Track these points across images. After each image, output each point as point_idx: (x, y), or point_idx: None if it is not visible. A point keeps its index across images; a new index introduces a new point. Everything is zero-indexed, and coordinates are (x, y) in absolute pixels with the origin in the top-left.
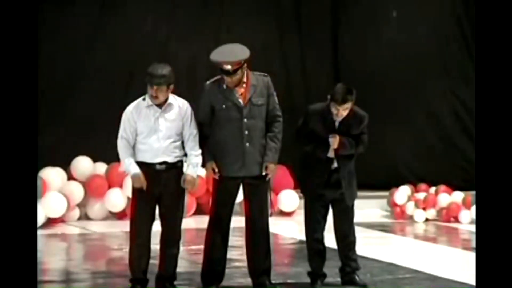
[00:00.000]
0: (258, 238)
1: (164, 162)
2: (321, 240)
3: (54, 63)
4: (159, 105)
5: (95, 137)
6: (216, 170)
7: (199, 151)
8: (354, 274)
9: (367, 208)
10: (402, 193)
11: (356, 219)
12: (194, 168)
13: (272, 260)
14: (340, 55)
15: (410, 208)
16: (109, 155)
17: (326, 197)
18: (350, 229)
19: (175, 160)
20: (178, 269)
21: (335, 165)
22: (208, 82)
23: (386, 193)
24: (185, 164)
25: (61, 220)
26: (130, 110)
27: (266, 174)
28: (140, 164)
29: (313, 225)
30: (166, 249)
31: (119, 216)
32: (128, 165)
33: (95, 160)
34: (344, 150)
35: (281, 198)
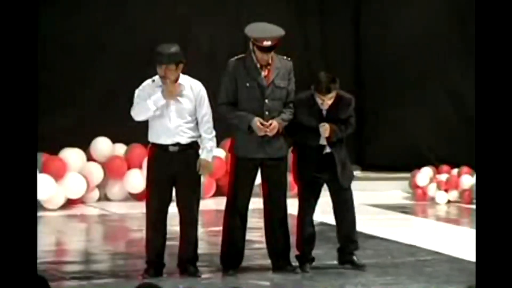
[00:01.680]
0: (276, 220)
1: (177, 144)
2: (312, 223)
3: (72, 42)
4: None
5: (115, 118)
6: (264, 123)
7: (213, 134)
8: (353, 255)
9: (389, 190)
10: (424, 174)
11: (377, 200)
12: (209, 152)
13: (292, 242)
14: (362, 37)
15: (432, 190)
16: (129, 136)
17: (320, 180)
18: (348, 210)
19: (188, 141)
20: (198, 251)
21: (327, 150)
22: (232, 59)
23: (407, 175)
24: (200, 148)
25: (80, 201)
26: (141, 89)
27: (285, 157)
28: (154, 145)
29: (306, 209)
30: (185, 232)
31: (139, 197)
32: (152, 100)
33: (114, 141)
34: (335, 137)
35: None
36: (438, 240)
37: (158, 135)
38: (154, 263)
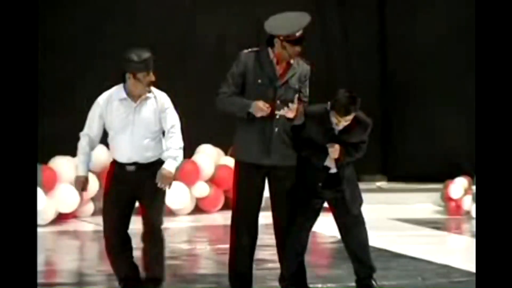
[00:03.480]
0: (283, 239)
1: (135, 163)
2: (302, 253)
3: (64, 45)
4: (134, 98)
5: None
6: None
7: (181, 145)
8: (370, 279)
9: (418, 203)
10: (458, 185)
11: (405, 214)
12: (173, 162)
13: (311, 261)
14: (387, 32)
15: (467, 203)
16: None
17: (320, 203)
18: (358, 233)
19: (150, 160)
20: (204, 271)
21: (332, 171)
22: (245, 51)
23: (439, 186)
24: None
25: (73, 215)
26: (100, 102)
27: (294, 168)
28: (113, 162)
29: (299, 233)
30: (149, 250)
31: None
32: (78, 164)
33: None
34: (344, 161)
35: None
36: (474, 260)
37: (116, 153)
38: (127, 282)
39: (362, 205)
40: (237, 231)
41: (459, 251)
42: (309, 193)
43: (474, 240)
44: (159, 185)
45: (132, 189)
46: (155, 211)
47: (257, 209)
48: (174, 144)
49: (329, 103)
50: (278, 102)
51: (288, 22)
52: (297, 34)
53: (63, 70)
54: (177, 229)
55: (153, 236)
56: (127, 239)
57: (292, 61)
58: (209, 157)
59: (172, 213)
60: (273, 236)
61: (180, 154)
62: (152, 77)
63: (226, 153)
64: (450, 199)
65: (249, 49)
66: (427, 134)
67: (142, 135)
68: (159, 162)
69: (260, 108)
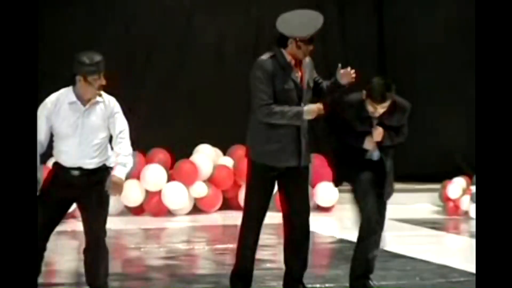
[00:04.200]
0: (303, 239)
1: (79, 168)
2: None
3: (62, 41)
4: (83, 102)
5: None
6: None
7: (130, 151)
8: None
9: (416, 203)
10: (456, 185)
11: (403, 215)
12: (123, 168)
13: (309, 261)
14: (386, 32)
15: (465, 203)
16: None
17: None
18: (381, 228)
19: (95, 166)
20: (203, 271)
21: (372, 157)
22: (265, 58)
23: (437, 186)
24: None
25: (71, 215)
26: (47, 105)
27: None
28: (56, 165)
29: (372, 211)
30: (94, 262)
31: (136, 211)
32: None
33: None
34: (385, 143)
35: (319, 191)
36: (473, 260)
37: (61, 156)
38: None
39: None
40: (246, 230)
41: (458, 251)
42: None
43: (472, 240)
44: (109, 192)
45: (73, 195)
46: (99, 221)
47: (266, 209)
48: (123, 150)
49: (363, 92)
50: (302, 104)
51: (303, 23)
52: (313, 33)
53: (62, 70)
54: (175, 229)
55: (99, 248)
56: (43, 245)
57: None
58: (208, 157)
59: (170, 213)
60: (271, 236)
61: (130, 160)
62: (103, 81)
63: (224, 153)
64: (449, 199)
65: (267, 55)
66: (426, 134)
67: (90, 140)
68: (105, 168)
69: (317, 111)
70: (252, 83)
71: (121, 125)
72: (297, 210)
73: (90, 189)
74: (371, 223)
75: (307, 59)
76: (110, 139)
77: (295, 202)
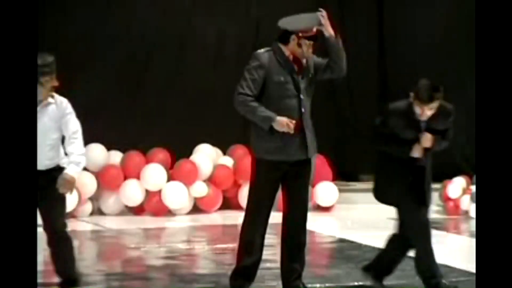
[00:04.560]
0: (298, 236)
1: None
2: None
3: (62, 39)
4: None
5: (109, 123)
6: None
7: (83, 151)
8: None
9: None
10: (456, 185)
11: None
12: (76, 167)
13: (309, 260)
14: (386, 27)
15: (465, 203)
16: (125, 143)
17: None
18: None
19: (48, 167)
20: (203, 271)
21: (420, 163)
22: (261, 51)
23: (437, 186)
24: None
25: (71, 215)
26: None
27: (310, 162)
28: None
29: (416, 215)
30: (58, 253)
31: (136, 211)
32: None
33: (109, 148)
34: (434, 149)
35: (319, 191)
36: (473, 260)
37: None
38: None
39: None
40: (252, 229)
41: (457, 251)
42: (405, 184)
43: (472, 240)
44: (60, 190)
45: None
46: (55, 214)
47: (271, 208)
48: (76, 150)
49: (411, 94)
50: (302, 110)
51: (305, 18)
52: (314, 30)
53: (60, 70)
54: (175, 228)
55: (59, 239)
56: None
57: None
58: (208, 156)
59: (170, 213)
60: (271, 236)
61: (83, 160)
62: (55, 82)
63: (224, 153)
64: (449, 199)
65: (263, 49)
66: None
67: (42, 142)
68: (58, 168)
69: (285, 125)
70: (244, 71)
71: (74, 126)
72: (294, 207)
73: (44, 188)
74: (423, 228)
75: (311, 57)
76: (63, 140)
77: (294, 199)
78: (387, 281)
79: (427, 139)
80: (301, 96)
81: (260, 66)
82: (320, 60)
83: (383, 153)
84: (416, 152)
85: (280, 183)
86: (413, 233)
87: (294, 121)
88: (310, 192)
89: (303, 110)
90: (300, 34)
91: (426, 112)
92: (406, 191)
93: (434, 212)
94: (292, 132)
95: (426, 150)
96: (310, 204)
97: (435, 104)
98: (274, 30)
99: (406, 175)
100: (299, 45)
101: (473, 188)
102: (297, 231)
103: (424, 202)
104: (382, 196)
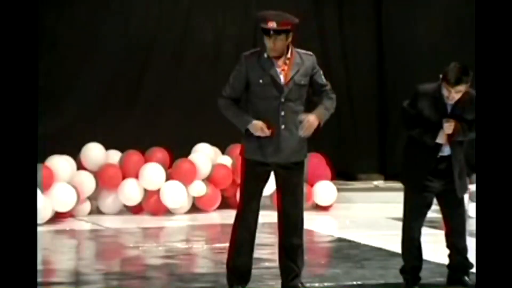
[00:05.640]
0: (291, 236)
1: None
2: (417, 239)
3: (61, 38)
4: None
5: (108, 122)
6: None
7: None
8: (466, 275)
9: None
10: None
11: (400, 214)
12: None
13: (307, 260)
14: (384, 28)
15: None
16: (123, 142)
17: (432, 189)
18: (464, 227)
19: None
20: (201, 270)
21: (443, 153)
22: (246, 53)
23: None
24: None
25: (70, 214)
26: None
27: (302, 162)
28: None
29: (411, 222)
30: None
31: (135, 210)
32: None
33: (107, 147)
34: (458, 136)
35: (317, 190)
36: (472, 259)
37: None
38: None
39: (466, 191)
40: (239, 228)
41: None
42: (421, 179)
43: (472, 240)
44: None
45: None
46: None
47: (258, 206)
48: None
49: (440, 75)
50: (282, 114)
51: (265, 14)
52: (270, 23)
53: (60, 70)
54: (174, 228)
55: None
56: None
57: (290, 56)
58: (206, 156)
59: (169, 212)
60: (270, 235)
61: None
62: None
63: (223, 152)
64: None
65: (250, 51)
66: None
67: None
68: None
69: (259, 129)
70: None
71: None
72: (287, 208)
73: None
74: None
75: (308, 58)
76: None
77: (286, 199)
78: (386, 280)
79: (450, 126)
80: (282, 100)
81: (241, 69)
82: (317, 73)
83: (411, 137)
84: (440, 139)
85: (265, 182)
86: (402, 243)
87: (268, 130)
88: (306, 192)
89: (282, 113)
90: (259, 24)
91: (453, 94)
92: (420, 187)
93: (433, 211)
94: (267, 135)
95: (450, 138)
96: (305, 205)
97: (462, 87)
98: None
99: (429, 162)
100: (264, 40)
101: (472, 187)
102: (290, 232)
103: (454, 193)
104: (404, 180)
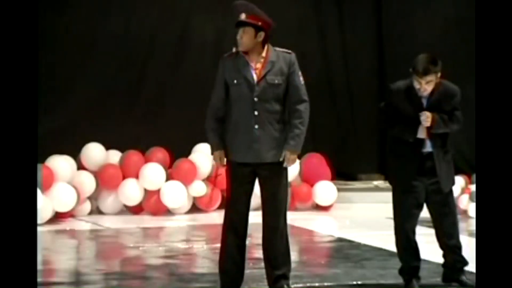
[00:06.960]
0: (271, 238)
1: None
2: (413, 240)
3: (61, 37)
4: None
5: (108, 122)
6: (224, 159)
7: None
8: (462, 273)
9: None
10: (455, 184)
11: None
12: None
13: (307, 259)
14: (384, 30)
15: (464, 202)
16: (123, 142)
17: (420, 188)
18: (453, 226)
19: None
20: (201, 270)
21: (427, 149)
22: (225, 54)
23: None
24: None
25: (70, 214)
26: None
27: (282, 162)
28: None
29: (403, 221)
30: None
31: (135, 210)
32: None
33: (108, 147)
34: (438, 128)
35: (317, 190)
36: (472, 259)
37: None
38: None
39: (453, 185)
40: (227, 230)
41: None
42: (408, 179)
43: (471, 239)
44: None
45: None
46: None
47: (246, 208)
48: None
49: (410, 69)
50: (255, 113)
51: (237, 3)
52: (240, 15)
53: (60, 69)
54: (174, 228)
55: None
56: None
57: (265, 54)
58: (207, 156)
59: (169, 212)
60: None
61: None
62: None
63: None
64: None
65: (229, 52)
66: None
67: None
68: None
69: (217, 159)
70: None
71: None
72: (266, 209)
73: None
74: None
75: (285, 56)
76: None
77: (266, 201)
78: (386, 280)
79: (427, 118)
80: (255, 99)
81: (219, 71)
82: (293, 73)
83: (393, 137)
84: (421, 133)
85: (250, 183)
86: (397, 245)
87: (221, 164)
88: (309, 191)
89: (256, 112)
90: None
91: (424, 86)
92: (408, 187)
93: None
94: (220, 167)
95: (430, 131)
96: (305, 205)
97: (431, 77)
98: (272, 30)
99: (414, 159)
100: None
101: (472, 187)
102: (270, 234)
103: (441, 192)
104: (392, 181)
